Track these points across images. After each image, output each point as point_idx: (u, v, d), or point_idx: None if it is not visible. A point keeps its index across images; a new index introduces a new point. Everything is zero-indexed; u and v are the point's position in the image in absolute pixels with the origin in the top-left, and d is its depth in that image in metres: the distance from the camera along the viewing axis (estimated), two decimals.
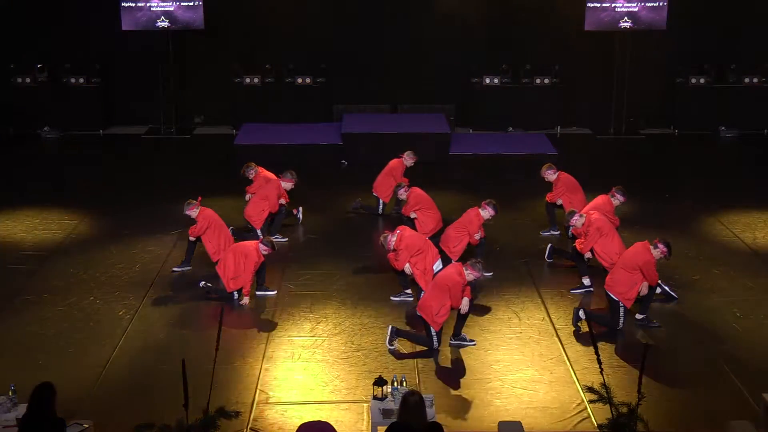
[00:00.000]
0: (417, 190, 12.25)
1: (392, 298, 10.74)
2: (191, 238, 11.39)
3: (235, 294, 10.67)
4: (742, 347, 9.68)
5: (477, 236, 11.28)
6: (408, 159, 13.51)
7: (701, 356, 9.52)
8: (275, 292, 10.86)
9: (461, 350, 9.57)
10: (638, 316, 10.13)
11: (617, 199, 11.89)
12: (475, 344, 9.66)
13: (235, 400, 8.43)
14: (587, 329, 9.42)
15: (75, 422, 7.38)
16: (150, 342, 9.77)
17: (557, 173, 12.60)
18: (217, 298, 10.61)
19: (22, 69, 18.40)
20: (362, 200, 13.70)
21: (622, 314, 9.80)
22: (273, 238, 11.20)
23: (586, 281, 11.00)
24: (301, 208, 13.27)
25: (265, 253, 10.56)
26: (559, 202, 12.60)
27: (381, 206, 13.57)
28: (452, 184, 14.99)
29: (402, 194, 12.36)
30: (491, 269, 11.48)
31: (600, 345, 9.35)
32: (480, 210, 11.31)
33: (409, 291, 10.75)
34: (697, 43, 18.38)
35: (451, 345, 9.62)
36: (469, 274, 9.37)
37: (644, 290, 9.90)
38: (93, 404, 8.47)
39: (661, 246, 9.83)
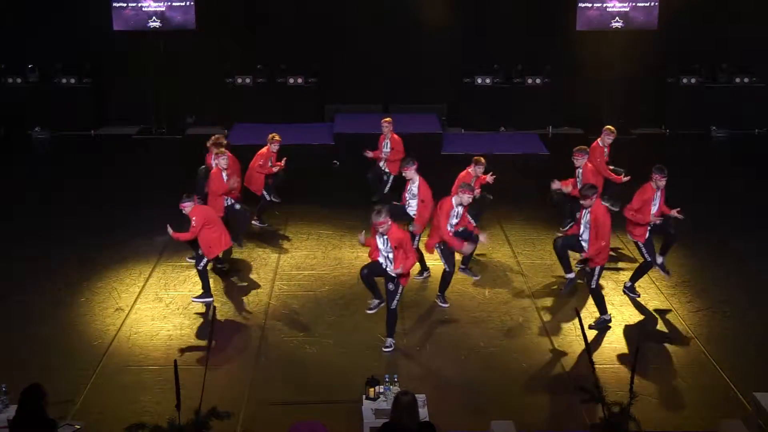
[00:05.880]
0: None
1: (368, 311, 10.44)
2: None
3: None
4: (732, 346, 9.72)
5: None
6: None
7: (692, 355, 9.54)
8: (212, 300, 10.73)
9: (453, 351, 9.60)
10: (627, 284, 10.84)
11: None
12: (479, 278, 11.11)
13: (227, 401, 8.41)
14: (579, 330, 9.44)
15: (66, 423, 7.37)
16: (142, 343, 9.76)
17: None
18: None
19: (13, 69, 18.35)
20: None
21: (596, 274, 9.90)
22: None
23: (570, 275, 10.72)
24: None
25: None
26: (567, 190, 11.93)
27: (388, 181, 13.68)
28: (448, 184, 14.98)
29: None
30: (485, 270, 11.50)
31: (592, 344, 9.42)
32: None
33: (378, 301, 10.34)
34: (688, 43, 18.43)
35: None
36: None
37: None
38: (84, 405, 8.46)
39: None
